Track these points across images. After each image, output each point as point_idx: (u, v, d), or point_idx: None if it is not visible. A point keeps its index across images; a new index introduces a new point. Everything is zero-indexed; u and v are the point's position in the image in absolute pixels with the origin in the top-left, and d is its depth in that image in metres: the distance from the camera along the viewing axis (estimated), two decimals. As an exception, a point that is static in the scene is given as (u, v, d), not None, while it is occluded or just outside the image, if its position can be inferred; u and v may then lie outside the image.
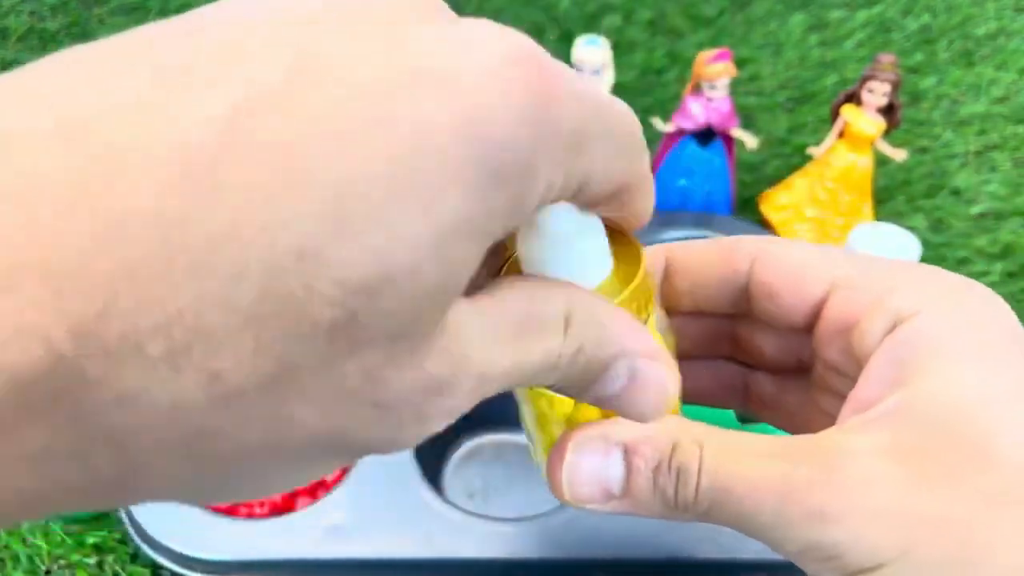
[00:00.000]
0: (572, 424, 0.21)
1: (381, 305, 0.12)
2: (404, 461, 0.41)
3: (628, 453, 0.20)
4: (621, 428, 0.20)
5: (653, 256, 0.23)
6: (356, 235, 0.12)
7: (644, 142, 0.17)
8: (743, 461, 0.19)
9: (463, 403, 0.15)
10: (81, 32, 0.77)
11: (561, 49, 0.78)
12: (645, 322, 0.19)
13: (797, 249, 0.22)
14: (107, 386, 0.11)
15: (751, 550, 0.38)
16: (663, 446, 0.19)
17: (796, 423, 0.24)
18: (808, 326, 0.22)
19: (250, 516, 0.41)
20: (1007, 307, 0.20)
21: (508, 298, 0.15)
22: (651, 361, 0.17)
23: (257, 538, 0.38)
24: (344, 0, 0.13)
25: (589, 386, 0.17)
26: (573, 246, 0.17)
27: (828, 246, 0.22)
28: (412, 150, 0.12)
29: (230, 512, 0.42)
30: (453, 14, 0.14)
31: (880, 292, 0.20)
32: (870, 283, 0.20)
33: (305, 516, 0.39)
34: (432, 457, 0.45)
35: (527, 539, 0.38)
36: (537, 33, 0.81)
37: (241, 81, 0.12)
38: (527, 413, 0.23)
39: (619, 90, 0.72)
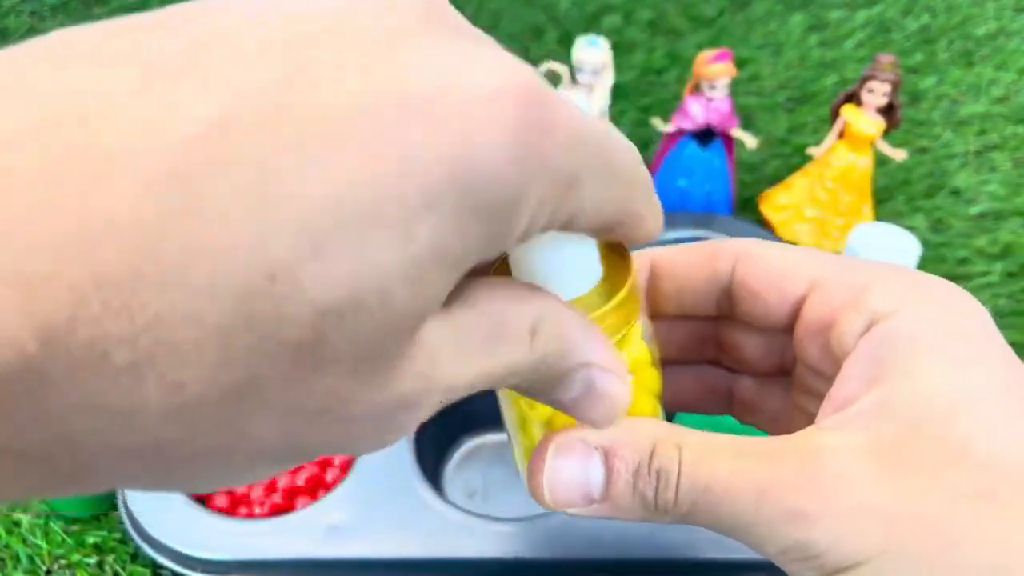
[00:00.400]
0: (552, 427, 0.21)
1: (350, 328, 0.12)
2: (404, 461, 0.41)
3: (608, 456, 0.20)
4: (601, 432, 0.20)
5: (638, 261, 0.23)
6: (329, 258, 0.12)
7: (646, 175, 0.17)
8: (721, 462, 0.19)
9: (427, 415, 0.15)
10: (81, 32, 0.77)
11: (561, 50, 0.78)
12: (626, 334, 0.19)
13: (777, 250, 0.22)
14: (71, 391, 0.11)
15: (751, 550, 0.38)
16: (643, 449, 0.19)
17: (779, 426, 0.24)
18: (789, 327, 0.22)
19: (250, 516, 0.41)
20: (981, 307, 0.20)
21: (479, 307, 0.15)
22: (606, 374, 0.17)
23: (257, 538, 0.38)
24: (348, 7, 0.13)
25: (546, 391, 0.17)
26: (559, 256, 0.17)
27: (809, 248, 0.23)
28: (393, 177, 0.12)
29: (230, 512, 0.42)
30: (460, 21, 0.14)
31: (857, 292, 0.20)
32: (847, 283, 0.21)
33: (305, 516, 0.39)
34: (432, 457, 0.45)
35: (527, 539, 0.38)
36: (537, 34, 0.81)
37: (230, 90, 0.12)
38: (508, 415, 0.23)
39: (619, 90, 0.72)
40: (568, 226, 0.15)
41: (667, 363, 0.24)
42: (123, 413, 0.11)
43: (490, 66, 0.13)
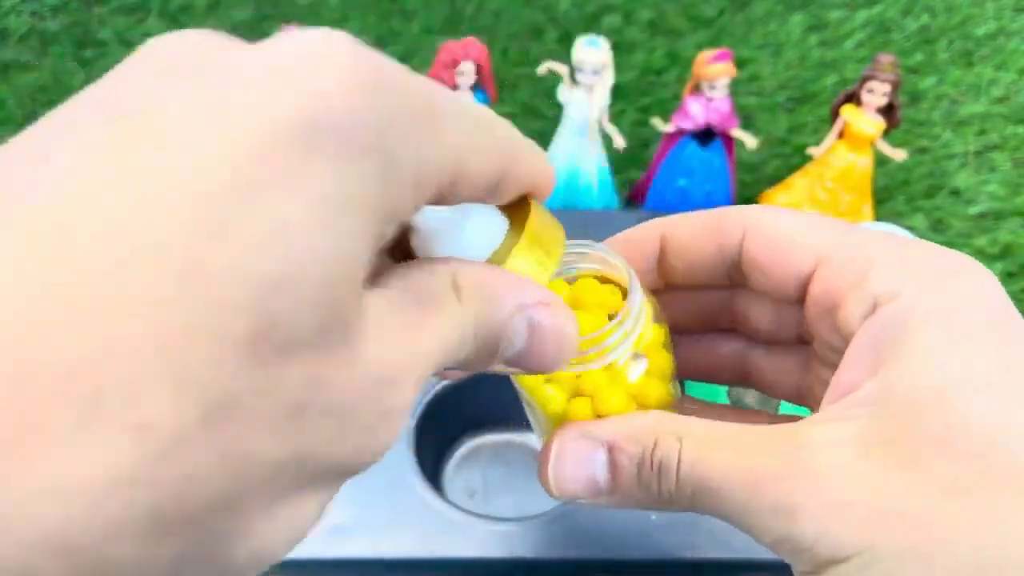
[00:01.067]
0: (561, 423, 0.21)
1: (294, 296, 0.12)
2: (404, 461, 0.41)
3: (612, 450, 0.20)
4: (605, 426, 0.21)
5: (648, 233, 0.23)
6: (235, 234, 0.11)
7: (505, 123, 0.17)
8: (718, 453, 0.19)
9: (413, 391, 0.15)
10: (82, 32, 0.77)
11: (561, 50, 0.78)
12: (554, 268, 0.19)
13: (785, 220, 0.22)
14: (18, 482, 0.10)
15: (752, 550, 0.38)
16: (645, 441, 0.20)
17: (803, 397, 0.24)
18: (800, 299, 0.22)
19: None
20: (995, 285, 0.19)
21: (401, 283, 0.15)
22: (545, 308, 0.17)
23: (257, 538, 0.38)
24: (152, 59, 0.13)
25: (497, 350, 0.17)
26: (453, 230, 0.17)
27: (819, 218, 0.22)
28: (263, 143, 0.12)
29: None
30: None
31: (860, 272, 0.20)
32: (852, 261, 0.20)
33: (305, 516, 0.39)
34: (432, 457, 0.45)
35: (527, 539, 0.38)
36: (537, 34, 0.81)
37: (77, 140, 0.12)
38: (528, 413, 0.23)
39: (619, 90, 0.72)
40: (464, 177, 0.15)
41: (681, 334, 0.24)
42: (96, 481, 0.10)
43: (311, 38, 0.13)
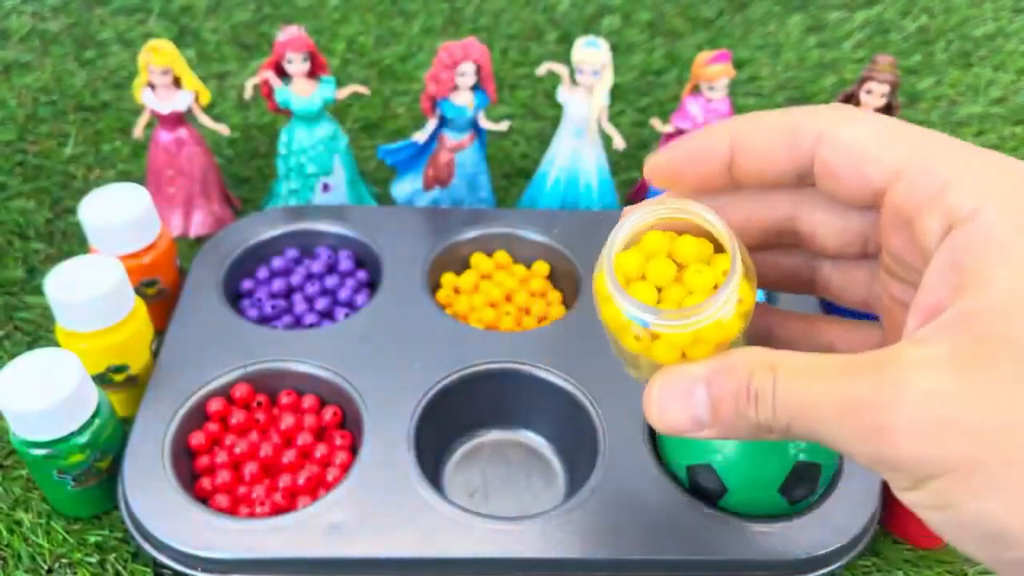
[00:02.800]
0: (662, 361, 0.23)
1: None
2: (404, 460, 0.41)
3: (710, 386, 0.22)
4: (702, 364, 0.22)
5: (718, 137, 0.24)
6: None
7: None
8: (810, 381, 0.20)
9: None
10: (83, 33, 0.77)
11: (560, 50, 0.78)
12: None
13: (862, 130, 0.22)
14: None
15: (752, 550, 0.39)
16: (741, 375, 0.22)
17: (870, 306, 0.25)
18: (871, 209, 0.22)
19: (251, 515, 0.42)
20: None
21: None
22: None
23: (258, 537, 0.38)
24: None
25: None
26: None
27: (898, 125, 0.22)
28: None
29: (231, 511, 0.42)
30: None
31: (938, 188, 0.20)
32: (929, 175, 0.20)
33: (306, 515, 0.39)
34: (432, 456, 0.45)
35: (527, 538, 0.39)
36: (536, 34, 0.81)
37: None
38: (616, 352, 0.25)
39: (618, 91, 0.72)
40: None
41: (752, 249, 0.25)
42: None
43: None
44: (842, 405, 0.19)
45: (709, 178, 0.24)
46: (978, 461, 0.18)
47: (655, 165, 0.25)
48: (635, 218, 0.23)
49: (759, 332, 0.27)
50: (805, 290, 0.27)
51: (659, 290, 0.23)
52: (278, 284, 0.53)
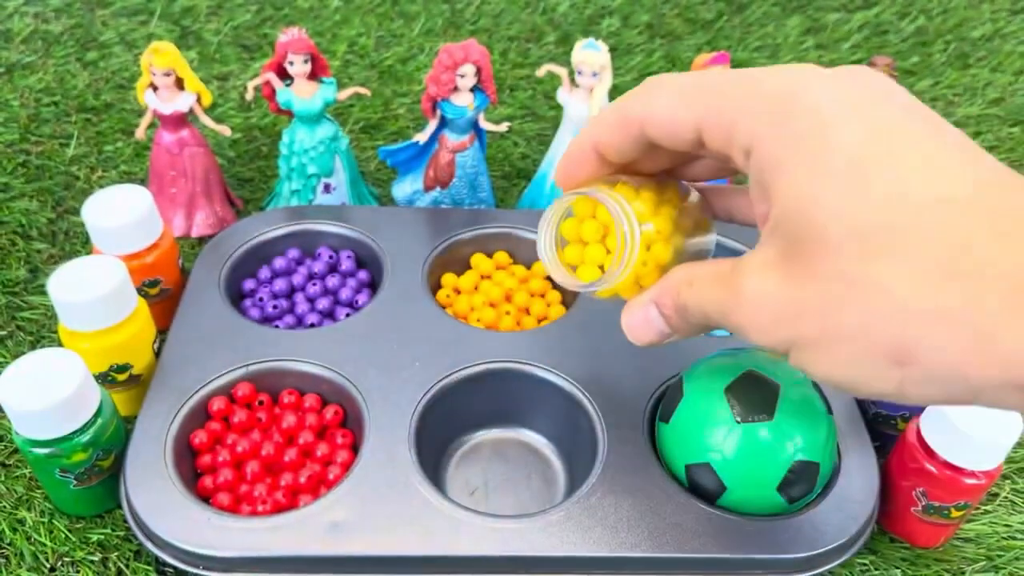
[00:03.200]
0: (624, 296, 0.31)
1: None
2: (405, 459, 0.42)
3: (658, 306, 0.29)
4: (648, 292, 0.30)
5: (584, 149, 0.30)
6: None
7: None
8: (706, 290, 0.27)
9: None
10: (85, 34, 0.77)
11: (560, 52, 0.78)
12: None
13: (665, 100, 0.27)
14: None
15: (751, 549, 0.39)
16: (673, 294, 0.28)
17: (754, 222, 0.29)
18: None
19: (253, 513, 0.42)
20: (822, 97, 0.23)
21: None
22: None
23: (259, 535, 0.39)
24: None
25: None
26: None
27: (699, 78, 0.26)
28: None
29: (233, 509, 0.42)
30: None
31: (728, 128, 0.25)
32: (720, 121, 0.25)
33: (307, 513, 0.40)
34: (433, 455, 0.45)
35: (527, 536, 0.39)
36: (536, 36, 0.81)
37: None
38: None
39: (617, 92, 0.72)
40: None
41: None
42: None
43: None
44: (721, 307, 0.26)
45: (593, 174, 0.31)
46: (804, 338, 0.23)
47: (556, 173, 0.32)
48: (559, 203, 0.31)
49: (725, 214, 0.33)
50: (725, 219, 0.33)
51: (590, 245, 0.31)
52: (280, 284, 0.53)
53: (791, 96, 0.24)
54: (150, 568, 0.41)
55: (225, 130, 0.57)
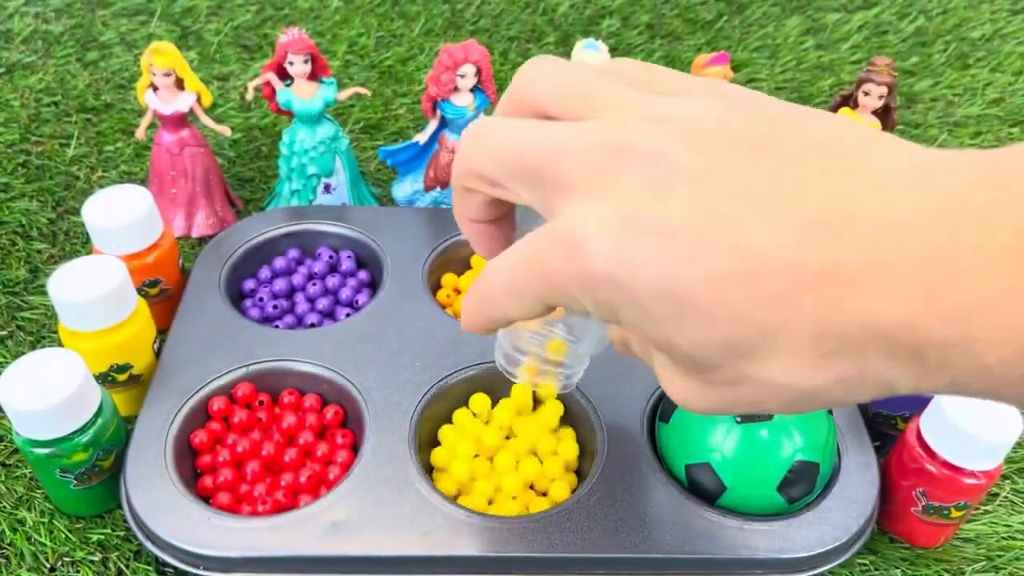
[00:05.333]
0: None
1: None
2: (405, 459, 0.42)
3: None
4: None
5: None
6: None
7: None
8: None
9: None
10: (85, 34, 0.77)
11: (560, 53, 0.78)
12: None
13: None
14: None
15: (751, 549, 0.39)
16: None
17: None
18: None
19: (253, 513, 0.42)
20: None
21: None
22: None
23: (260, 535, 0.39)
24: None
25: None
26: None
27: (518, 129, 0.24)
28: None
29: (233, 509, 0.42)
30: None
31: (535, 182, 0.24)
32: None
33: (307, 513, 0.40)
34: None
35: (528, 537, 0.39)
36: (536, 37, 0.81)
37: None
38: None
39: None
40: None
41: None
42: None
43: None
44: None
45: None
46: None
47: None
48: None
49: None
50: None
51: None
52: (280, 284, 0.53)
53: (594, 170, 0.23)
54: (150, 568, 0.41)
55: (225, 130, 0.57)
